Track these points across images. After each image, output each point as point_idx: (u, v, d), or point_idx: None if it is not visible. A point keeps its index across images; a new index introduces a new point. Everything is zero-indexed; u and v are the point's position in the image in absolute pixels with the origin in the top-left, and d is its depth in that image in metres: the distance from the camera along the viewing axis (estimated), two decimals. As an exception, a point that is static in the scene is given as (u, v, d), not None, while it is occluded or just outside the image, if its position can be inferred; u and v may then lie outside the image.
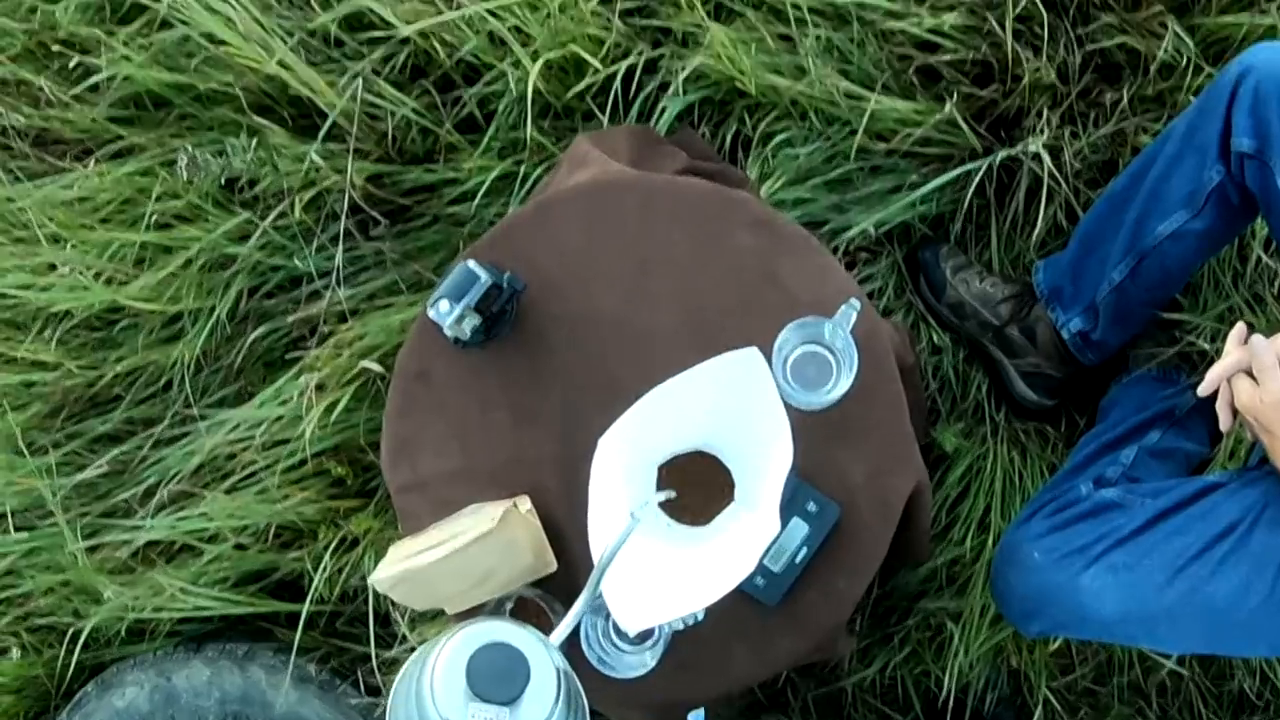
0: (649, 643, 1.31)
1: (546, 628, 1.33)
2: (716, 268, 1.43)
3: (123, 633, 2.01)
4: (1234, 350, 1.37)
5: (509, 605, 1.37)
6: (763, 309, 1.41)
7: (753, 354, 1.20)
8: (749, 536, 1.17)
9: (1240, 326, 1.39)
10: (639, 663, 1.28)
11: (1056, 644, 1.86)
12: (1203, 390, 1.40)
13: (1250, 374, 1.35)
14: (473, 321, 1.38)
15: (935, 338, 1.91)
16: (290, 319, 2.03)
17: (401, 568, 1.23)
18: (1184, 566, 1.41)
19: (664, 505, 1.28)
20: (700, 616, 1.32)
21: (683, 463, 1.33)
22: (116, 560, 2.00)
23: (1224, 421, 1.42)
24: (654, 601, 1.15)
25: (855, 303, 1.34)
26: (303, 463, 1.93)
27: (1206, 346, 1.79)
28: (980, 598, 1.81)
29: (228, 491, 1.96)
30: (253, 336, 2.02)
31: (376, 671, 1.84)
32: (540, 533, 1.37)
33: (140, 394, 2.09)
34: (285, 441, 1.93)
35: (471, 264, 1.37)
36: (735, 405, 1.23)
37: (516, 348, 1.46)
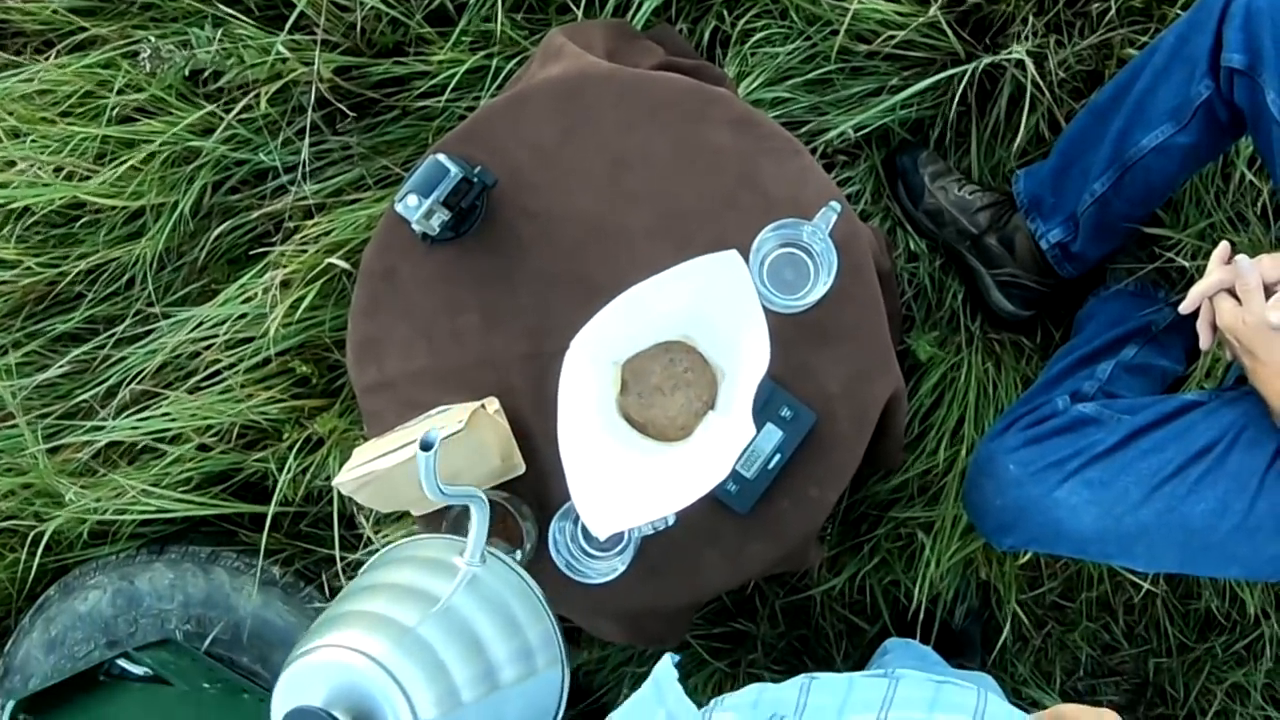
0: (618, 548, 1.29)
1: (513, 532, 1.31)
2: (694, 166, 1.39)
3: (85, 535, 1.98)
4: (1217, 270, 1.35)
5: (476, 508, 1.34)
6: (740, 209, 1.37)
7: (732, 257, 1.16)
8: (723, 440, 1.14)
9: (1224, 245, 1.37)
10: (608, 568, 1.26)
11: (1026, 557, 1.86)
12: (1185, 308, 1.38)
13: (1233, 294, 1.33)
14: (441, 217, 1.34)
15: (912, 244, 1.88)
16: (255, 215, 1.98)
17: (365, 470, 1.20)
18: (1160, 485, 1.40)
19: (634, 423, 1.25)
20: (671, 521, 1.29)
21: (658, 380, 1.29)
22: (78, 462, 1.96)
23: (1204, 340, 1.40)
24: (623, 506, 1.12)
25: (836, 205, 1.30)
26: (267, 362, 1.89)
27: (1186, 264, 1.77)
28: (952, 509, 1.80)
29: (191, 391, 1.92)
30: (216, 232, 1.98)
31: (341, 575, 1.82)
32: (509, 435, 1.34)
33: (102, 292, 2.04)
34: (249, 340, 1.89)
35: (441, 157, 1.32)
36: (712, 309, 1.19)
37: (486, 245, 1.42)
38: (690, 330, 1.23)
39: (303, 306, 1.81)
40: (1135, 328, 1.75)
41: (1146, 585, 1.88)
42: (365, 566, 1.13)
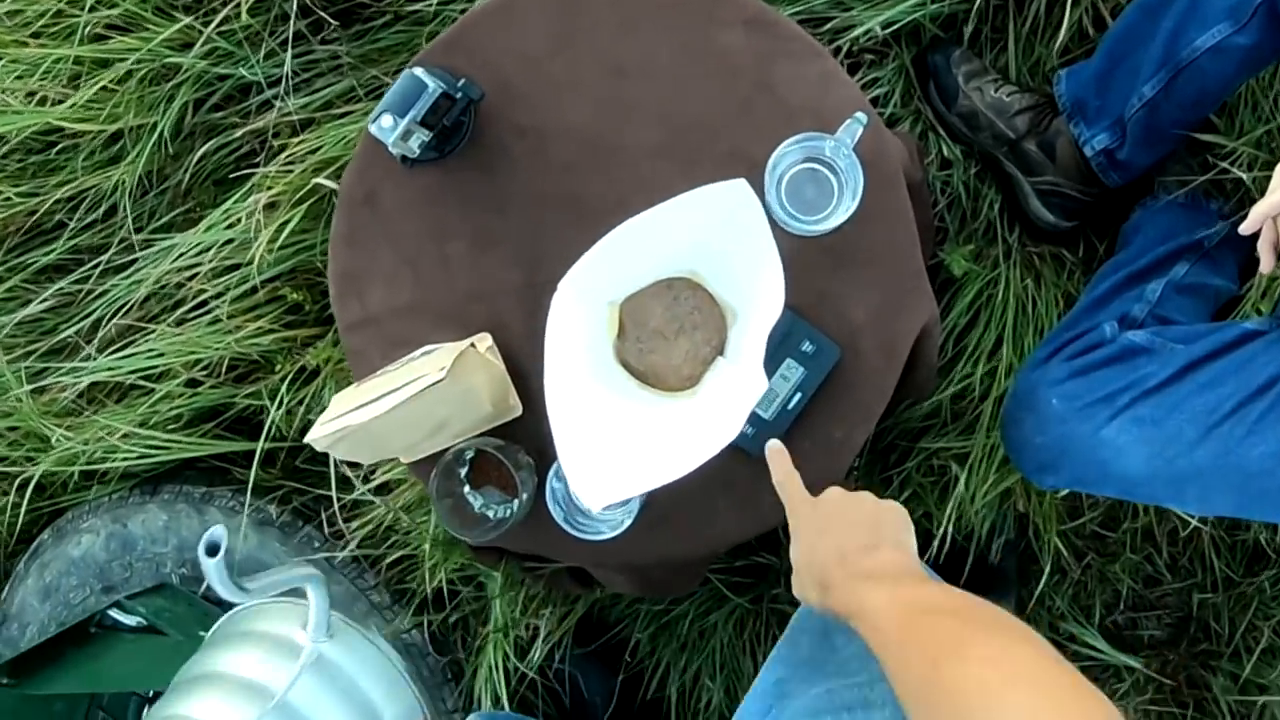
0: (623, 502, 1.18)
1: (506, 482, 1.20)
2: (702, 73, 1.25)
3: (75, 476, 1.90)
4: None
5: (469, 455, 1.23)
6: (754, 121, 1.24)
7: (740, 186, 1.01)
8: (734, 393, 1.02)
9: None
10: (613, 522, 1.15)
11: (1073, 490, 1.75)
12: (1246, 228, 1.24)
13: None
14: (421, 137, 1.21)
15: (945, 150, 1.74)
16: (240, 133, 1.85)
17: (340, 424, 1.08)
18: (1217, 424, 1.28)
19: (633, 372, 1.12)
20: (680, 469, 1.18)
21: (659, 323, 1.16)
22: (64, 402, 1.87)
23: (1265, 263, 1.26)
24: (620, 472, 1.00)
25: (861, 117, 1.17)
26: (255, 290, 1.78)
27: (1242, 174, 1.63)
28: (987, 437, 1.68)
29: (178, 324, 1.82)
30: (200, 153, 1.86)
31: (339, 515, 1.72)
32: (503, 375, 1.23)
33: (85, 220, 1.94)
34: (237, 268, 1.78)
35: (418, 71, 1.19)
36: (720, 242, 1.05)
37: (475, 165, 1.29)
38: (696, 265, 1.10)
39: (290, 230, 1.69)
40: (1186, 243, 1.62)
41: (1194, 521, 1.76)
42: (208, 637, 1.02)
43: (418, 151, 1.23)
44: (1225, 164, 1.63)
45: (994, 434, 1.67)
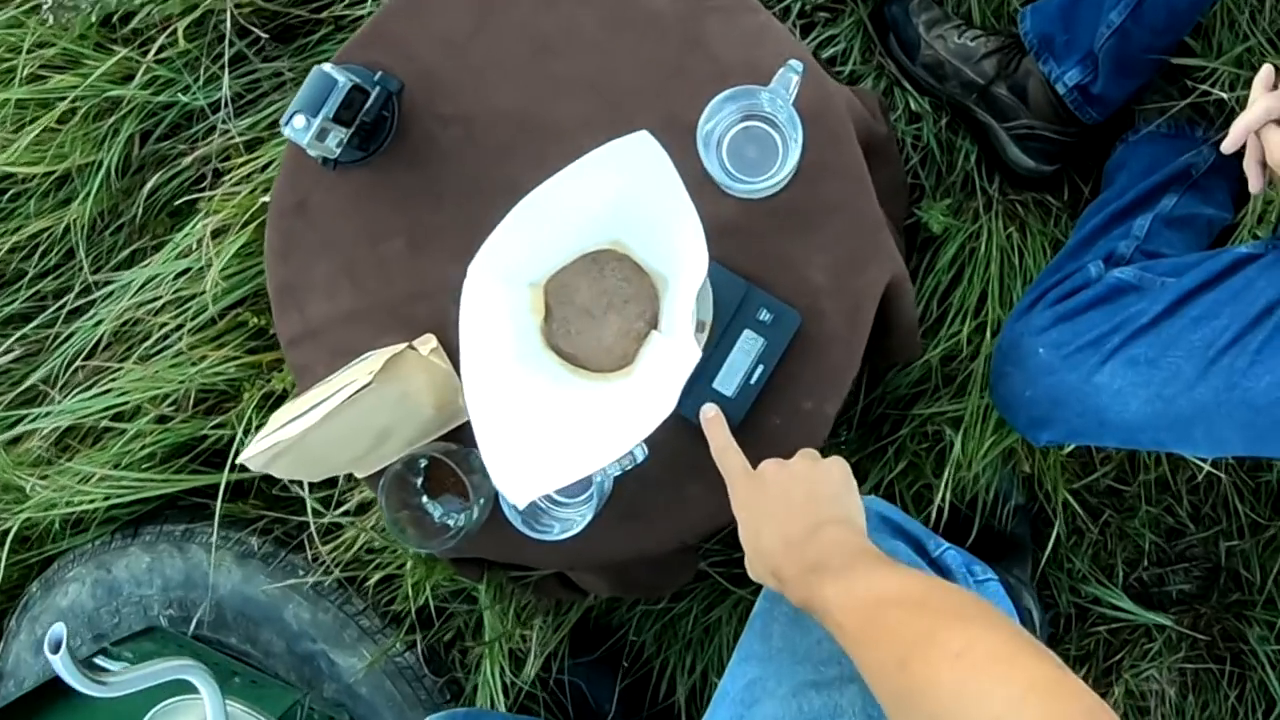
0: (583, 495, 1.11)
1: (461, 489, 1.14)
2: (630, 39, 1.19)
3: (56, 525, 1.85)
4: (1262, 98, 1.12)
5: (422, 464, 1.17)
6: (687, 81, 1.17)
7: (643, 139, 0.94)
8: (664, 369, 0.94)
9: (1267, 70, 1.14)
10: (567, 523, 1.08)
11: (1072, 445, 1.66)
12: (1227, 146, 1.16)
13: None
14: (338, 135, 1.15)
15: (913, 104, 1.67)
16: (188, 160, 1.80)
17: (271, 441, 1.02)
18: (1217, 357, 1.19)
19: (565, 356, 1.05)
20: (640, 458, 1.12)
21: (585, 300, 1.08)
22: (37, 451, 1.82)
23: (1254, 182, 1.18)
24: (545, 465, 0.93)
25: (796, 64, 1.09)
26: (215, 319, 1.72)
27: (1224, 95, 1.54)
28: (981, 398, 1.60)
29: (142, 360, 1.77)
30: (150, 184, 1.81)
31: (317, 540, 1.66)
32: (449, 376, 1.16)
33: (46, 265, 1.91)
34: (195, 297, 1.73)
35: (327, 67, 1.13)
36: (638, 204, 0.98)
37: (404, 161, 1.23)
38: (619, 233, 1.02)
39: (234, 253, 1.64)
40: (1173, 173, 1.54)
41: (1208, 466, 1.67)
42: None
43: (337, 151, 1.17)
44: (1207, 86, 1.55)
45: (986, 393, 1.59)
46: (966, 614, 0.78)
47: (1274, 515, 1.73)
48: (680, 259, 0.94)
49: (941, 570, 1.14)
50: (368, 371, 1.01)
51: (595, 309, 1.01)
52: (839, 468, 0.98)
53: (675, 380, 0.90)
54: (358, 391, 0.99)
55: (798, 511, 0.93)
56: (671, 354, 0.94)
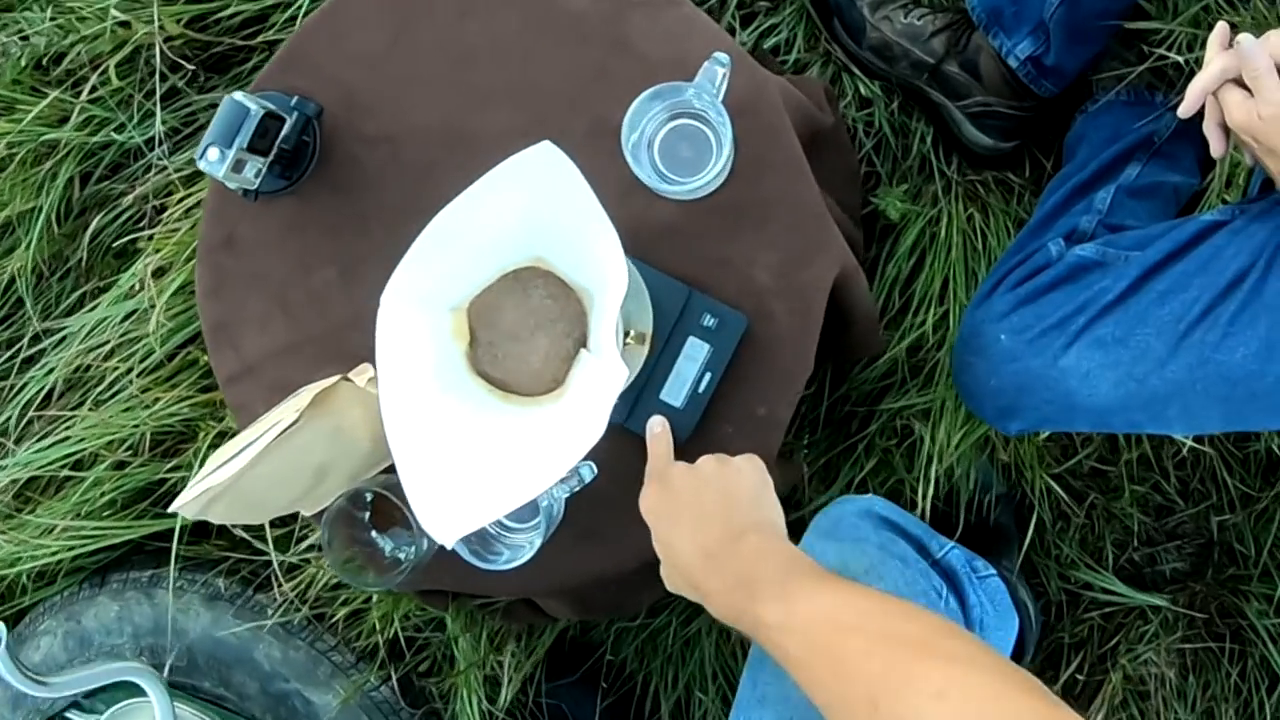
0: (531, 521, 1.07)
1: (407, 522, 1.09)
2: (551, 44, 1.15)
3: (23, 579, 1.81)
4: (1218, 56, 1.08)
5: (368, 498, 1.12)
6: (615, 84, 1.13)
7: (546, 149, 0.89)
8: (594, 390, 0.90)
9: (1222, 27, 1.09)
10: (517, 550, 1.03)
11: (1045, 431, 1.62)
12: (1184, 110, 1.11)
13: (1242, 83, 1.06)
14: (255, 165, 1.11)
15: (862, 89, 1.62)
16: (128, 199, 1.77)
17: (201, 488, 0.98)
18: (1188, 331, 1.14)
19: (494, 382, 1.00)
20: (588, 478, 1.07)
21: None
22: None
23: (1215, 146, 1.13)
24: (473, 499, 0.88)
25: (721, 57, 1.05)
26: (165, 360, 1.68)
27: (1181, 59, 1.49)
28: (948, 388, 1.55)
29: (96, 405, 1.73)
30: (93, 227, 1.78)
31: (281, 578, 1.62)
32: (388, 406, 1.12)
33: (-4, 316, 1.87)
34: (143, 339, 1.69)
35: (238, 96, 1.09)
36: (552, 222, 0.93)
37: (329, 187, 1.19)
38: (538, 249, 0.97)
39: (174, 291, 1.61)
40: (1134, 142, 1.50)
41: (1190, 441, 1.62)
42: None
43: (256, 182, 1.12)
44: (1163, 50, 1.51)
45: (952, 384, 1.55)
46: (939, 648, 0.73)
47: (1265, 486, 1.69)
48: (601, 272, 0.89)
49: (944, 571, 1.10)
50: (295, 409, 0.97)
51: (522, 331, 0.96)
52: (751, 466, 0.93)
53: (604, 402, 0.85)
54: (285, 430, 0.95)
55: (713, 519, 0.88)
56: (599, 374, 0.89)
